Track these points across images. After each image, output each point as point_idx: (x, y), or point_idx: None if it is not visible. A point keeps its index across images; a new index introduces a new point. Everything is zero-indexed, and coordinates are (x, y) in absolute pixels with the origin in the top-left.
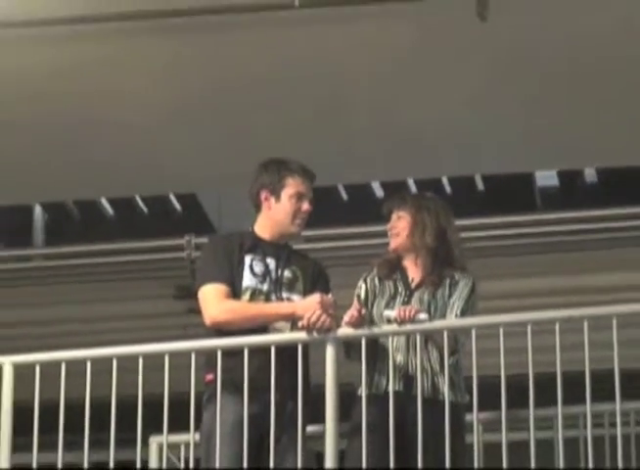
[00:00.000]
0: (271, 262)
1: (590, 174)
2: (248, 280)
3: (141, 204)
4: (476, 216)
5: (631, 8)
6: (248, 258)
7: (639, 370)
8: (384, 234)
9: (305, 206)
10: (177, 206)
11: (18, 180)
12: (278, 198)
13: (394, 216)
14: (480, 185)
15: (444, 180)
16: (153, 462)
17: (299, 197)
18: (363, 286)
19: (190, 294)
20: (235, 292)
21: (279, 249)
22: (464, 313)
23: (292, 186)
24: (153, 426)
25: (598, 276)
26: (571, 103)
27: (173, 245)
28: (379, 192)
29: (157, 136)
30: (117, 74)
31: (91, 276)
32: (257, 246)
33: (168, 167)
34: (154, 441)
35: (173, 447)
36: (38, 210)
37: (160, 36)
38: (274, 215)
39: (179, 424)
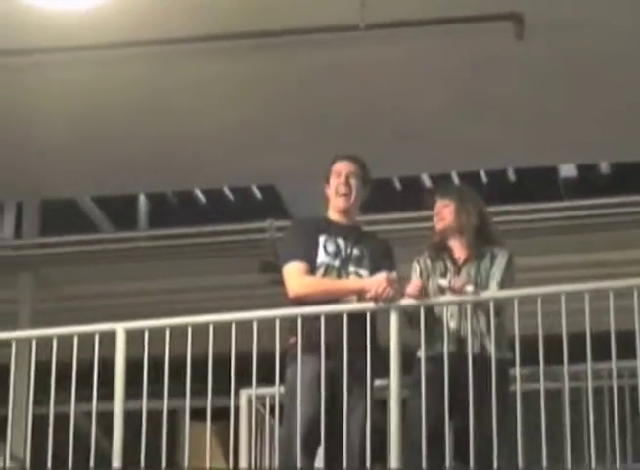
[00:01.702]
0: (341, 242)
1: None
2: (322, 257)
3: (228, 193)
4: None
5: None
6: (322, 239)
7: None
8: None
9: (341, 179)
10: (259, 194)
11: (124, 173)
12: (328, 182)
13: (439, 204)
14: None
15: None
16: (243, 410)
17: (337, 175)
18: (417, 267)
19: (271, 268)
20: (311, 268)
21: (348, 230)
22: (503, 281)
23: (333, 168)
24: (243, 380)
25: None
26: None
27: (258, 227)
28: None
29: (243, 137)
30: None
31: (191, 254)
32: (329, 228)
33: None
34: (243, 392)
35: (260, 398)
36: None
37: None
38: (330, 197)
39: (265, 378)
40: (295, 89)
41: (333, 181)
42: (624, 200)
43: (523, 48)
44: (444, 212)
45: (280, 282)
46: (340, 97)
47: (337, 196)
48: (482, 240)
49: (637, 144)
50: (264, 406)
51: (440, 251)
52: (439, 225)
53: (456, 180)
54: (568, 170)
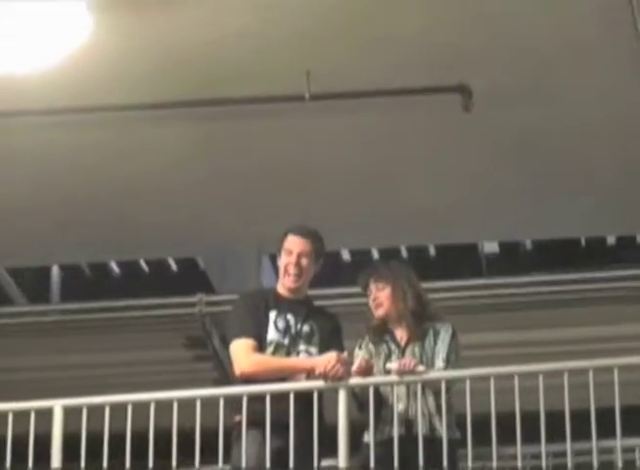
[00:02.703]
0: (291, 318)
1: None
2: (272, 334)
3: (144, 265)
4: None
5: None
6: (272, 315)
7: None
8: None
9: (292, 259)
10: (175, 267)
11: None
12: (279, 256)
13: (373, 288)
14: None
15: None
16: None
17: (289, 252)
18: (360, 353)
19: (197, 344)
20: (260, 344)
21: (298, 305)
22: (448, 356)
23: (284, 243)
24: (186, 458)
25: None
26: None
27: (186, 302)
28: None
29: (166, 208)
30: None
31: (113, 328)
32: (279, 303)
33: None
34: None
35: None
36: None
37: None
38: (280, 271)
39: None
40: (230, 159)
41: (283, 258)
42: (549, 278)
43: (470, 121)
44: (380, 297)
45: (207, 358)
46: (277, 167)
47: (286, 275)
48: (422, 318)
49: (563, 221)
50: None
51: (382, 333)
52: (378, 312)
53: (375, 255)
54: (490, 247)
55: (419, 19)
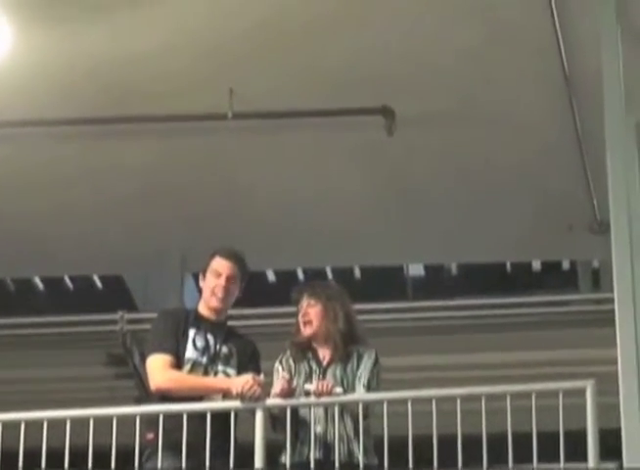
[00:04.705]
0: (211, 339)
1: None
2: (190, 352)
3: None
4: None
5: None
6: (191, 333)
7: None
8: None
9: (220, 281)
10: (99, 284)
11: None
12: (204, 277)
13: (305, 304)
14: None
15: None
16: None
17: (217, 274)
18: (280, 367)
19: (118, 361)
20: (178, 362)
21: (218, 326)
22: (370, 382)
23: (212, 264)
24: None
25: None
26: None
27: (108, 319)
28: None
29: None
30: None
31: (34, 345)
32: (200, 322)
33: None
34: None
35: None
36: None
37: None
38: (203, 292)
39: None
40: (154, 177)
41: (210, 279)
42: (473, 303)
43: (393, 143)
44: (310, 314)
45: (128, 375)
46: (200, 185)
47: (213, 296)
48: (349, 340)
49: (488, 245)
50: None
51: (304, 351)
52: (306, 330)
53: (301, 276)
54: (415, 269)
55: (344, 42)
